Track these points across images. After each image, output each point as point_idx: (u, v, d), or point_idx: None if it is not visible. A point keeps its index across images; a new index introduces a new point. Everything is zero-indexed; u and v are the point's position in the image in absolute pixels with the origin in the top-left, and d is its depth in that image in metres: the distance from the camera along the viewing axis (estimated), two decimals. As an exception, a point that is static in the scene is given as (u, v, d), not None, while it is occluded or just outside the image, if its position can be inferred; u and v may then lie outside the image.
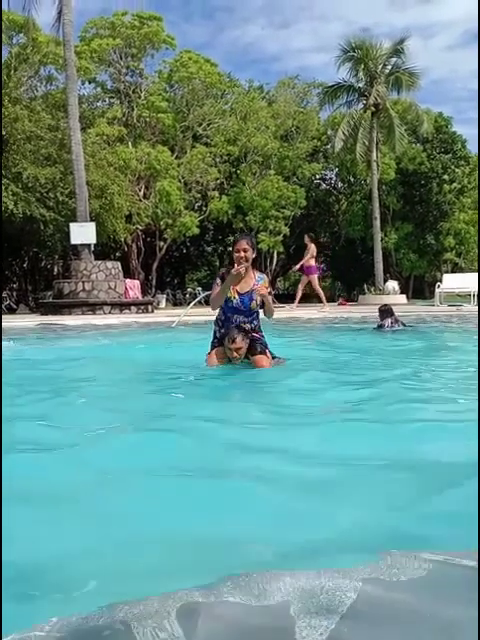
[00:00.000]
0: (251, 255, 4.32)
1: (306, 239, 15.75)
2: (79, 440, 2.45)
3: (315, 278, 15.53)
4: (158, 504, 1.75)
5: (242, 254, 4.27)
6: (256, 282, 4.42)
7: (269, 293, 4.45)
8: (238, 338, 4.24)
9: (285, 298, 29.83)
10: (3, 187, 20.03)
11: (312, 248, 15.36)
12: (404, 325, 8.43)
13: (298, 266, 15.80)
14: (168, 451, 2.29)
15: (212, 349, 4.56)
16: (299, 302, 16.24)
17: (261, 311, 4.54)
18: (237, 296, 4.40)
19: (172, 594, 0.99)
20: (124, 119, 26.52)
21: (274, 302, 21.67)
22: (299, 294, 16.14)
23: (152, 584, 1.16)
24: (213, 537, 1.50)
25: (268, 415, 3.03)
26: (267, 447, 2.34)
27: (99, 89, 28.30)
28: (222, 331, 4.52)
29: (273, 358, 4.52)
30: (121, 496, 1.83)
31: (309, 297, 31.12)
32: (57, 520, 1.64)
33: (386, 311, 8.47)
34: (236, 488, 1.87)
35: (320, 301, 16.03)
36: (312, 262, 15.34)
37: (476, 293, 16.54)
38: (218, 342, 4.54)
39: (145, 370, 5.05)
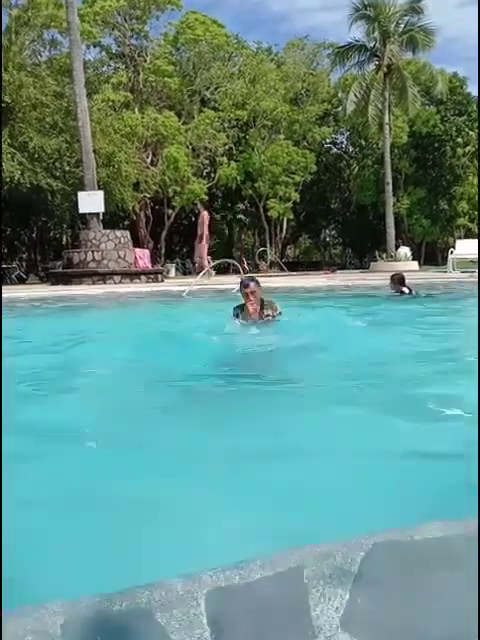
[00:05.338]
0: (259, 294, 5.05)
1: (199, 206, 15.71)
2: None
3: (204, 246, 15.31)
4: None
5: (250, 298, 4.99)
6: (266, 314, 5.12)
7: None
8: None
9: (295, 266, 29.66)
10: (9, 156, 19.81)
11: (205, 216, 15.21)
12: (416, 293, 8.27)
13: (204, 240, 15.58)
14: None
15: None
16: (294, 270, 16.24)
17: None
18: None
19: (194, 575, 0.99)
20: (130, 84, 25.98)
21: (284, 269, 21.55)
22: (205, 263, 15.80)
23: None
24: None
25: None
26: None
27: (103, 53, 27.68)
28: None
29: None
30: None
31: (305, 265, 30.90)
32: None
33: (399, 279, 8.24)
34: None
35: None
36: (206, 231, 15.22)
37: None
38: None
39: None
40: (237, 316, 5.08)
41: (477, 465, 1.67)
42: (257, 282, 5.11)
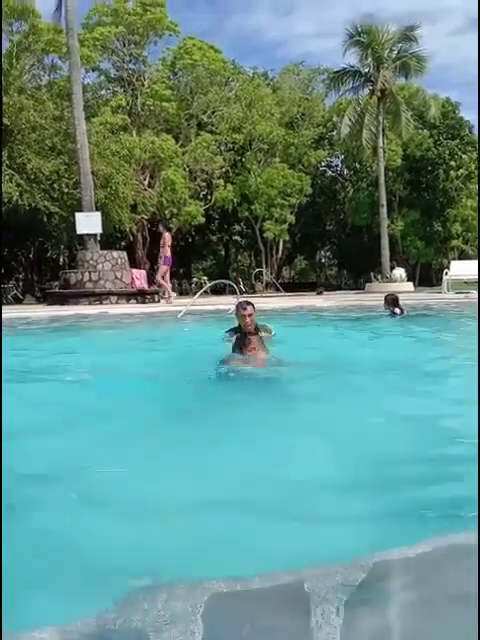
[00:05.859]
0: (255, 318, 5.05)
1: (161, 228, 15.59)
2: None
3: (165, 269, 15.08)
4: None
5: (247, 320, 4.96)
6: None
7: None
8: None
9: (291, 287, 29.78)
10: (8, 177, 19.96)
11: (165, 236, 15.12)
12: (407, 314, 8.49)
13: (163, 259, 15.33)
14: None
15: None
16: (289, 291, 16.11)
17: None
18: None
19: (198, 584, 0.99)
20: (128, 108, 26.30)
21: (280, 290, 21.32)
22: (166, 285, 15.48)
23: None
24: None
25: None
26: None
27: (102, 77, 28.06)
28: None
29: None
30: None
31: (300, 286, 30.97)
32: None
33: (392, 300, 8.40)
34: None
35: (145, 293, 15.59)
36: (167, 252, 14.99)
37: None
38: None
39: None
40: (232, 347, 4.85)
41: (477, 472, 1.65)
42: (253, 306, 5.18)
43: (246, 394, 3.68)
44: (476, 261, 20.73)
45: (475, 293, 15.96)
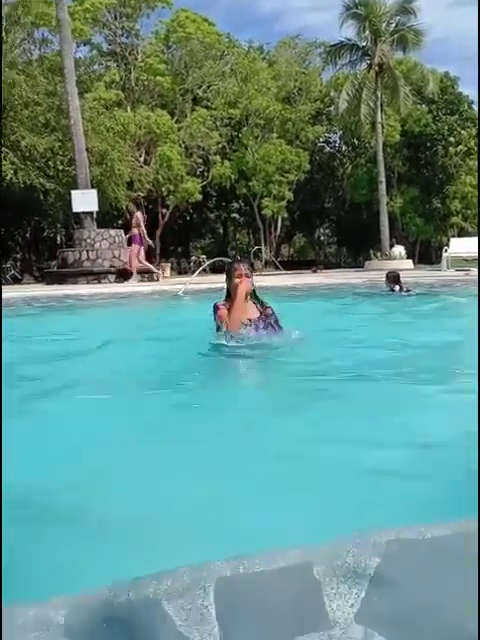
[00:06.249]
0: (252, 279, 3.99)
1: (131, 206, 15.16)
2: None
3: (135, 248, 14.69)
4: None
5: (243, 279, 3.91)
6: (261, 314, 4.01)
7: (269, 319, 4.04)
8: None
9: (290, 265, 29.62)
10: (2, 155, 19.71)
11: (137, 216, 14.77)
12: (408, 291, 8.47)
13: (127, 237, 15.10)
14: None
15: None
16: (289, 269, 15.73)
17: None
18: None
19: (202, 566, 0.96)
20: (122, 83, 25.84)
21: (279, 268, 20.83)
22: (138, 265, 14.93)
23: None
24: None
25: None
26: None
27: (95, 52, 27.50)
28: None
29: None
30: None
31: (299, 264, 30.85)
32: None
33: (394, 277, 8.44)
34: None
35: (128, 274, 14.80)
36: (135, 231, 14.69)
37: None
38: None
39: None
40: (218, 328, 3.90)
41: (477, 463, 1.63)
42: (251, 267, 4.13)
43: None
44: (476, 238, 20.63)
45: (475, 270, 15.88)
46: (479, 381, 2.59)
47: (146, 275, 17.09)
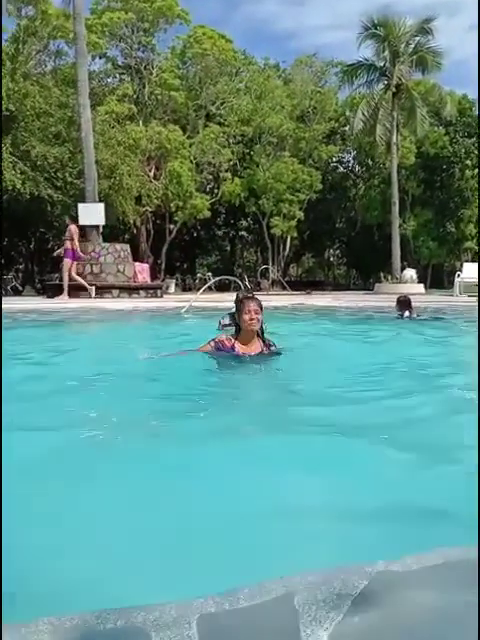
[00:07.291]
0: (261, 317, 4.04)
1: (67, 220, 14.86)
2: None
3: (68, 263, 14.31)
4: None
5: (254, 317, 3.97)
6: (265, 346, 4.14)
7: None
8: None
9: (298, 285, 29.10)
10: (11, 165, 19.55)
11: (72, 229, 14.41)
12: (417, 316, 8.26)
13: (59, 251, 14.79)
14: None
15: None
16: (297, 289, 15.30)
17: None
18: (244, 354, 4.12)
19: (188, 601, 1.01)
20: (135, 96, 25.65)
21: (286, 288, 20.66)
22: (66, 280, 14.48)
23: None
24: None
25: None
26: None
27: (109, 65, 27.40)
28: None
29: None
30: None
31: (307, 284, 30.40)
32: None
33: (404, 302, 8.14)
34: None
35: (61, 290, 14.40)
36: (68, 245, 14.34)
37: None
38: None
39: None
40: (219, 348, 4.00)
41: (477, 477, 1.63)
42: (260, 304, 4.05)
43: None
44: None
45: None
46: (479, 385, 2.71)
47: (150, 291, 16.74)
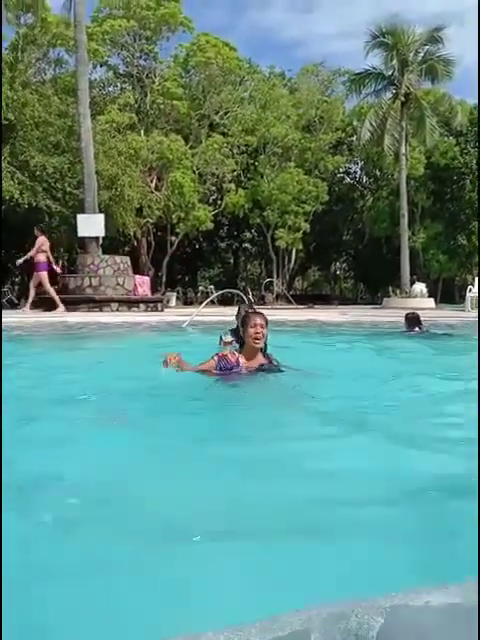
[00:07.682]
0: (267, 333, 4.03)
1: (36, 231, 14.37)
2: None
3: (44, 275, 13.86)
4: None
5: (259, 331, 3.96)
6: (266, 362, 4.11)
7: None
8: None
9: (303, 299, 28.31)
10: (9, 175, 18.98)
11: (40, 240, 13.94)
12: (426, 330, 8.01)
13: (22, 260, 14.37)
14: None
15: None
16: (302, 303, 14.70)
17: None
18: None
19: (196, 635, 0.99)
20: (136, 105, 25.07)
21: (291, 302, 20.03)
22: (32, 293, 14.09)
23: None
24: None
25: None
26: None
27: (111, 73, 26.86)
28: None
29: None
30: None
31: (313, 298, 29.62)
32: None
33: (413, 319, 7.90)
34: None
35: (54, 304, 13.92)
36: (42, 257, 13.88)
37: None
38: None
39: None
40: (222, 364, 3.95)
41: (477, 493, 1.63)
42: (266, 319, 4.02)
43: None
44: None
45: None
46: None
47: (151, 305, 16.00)
